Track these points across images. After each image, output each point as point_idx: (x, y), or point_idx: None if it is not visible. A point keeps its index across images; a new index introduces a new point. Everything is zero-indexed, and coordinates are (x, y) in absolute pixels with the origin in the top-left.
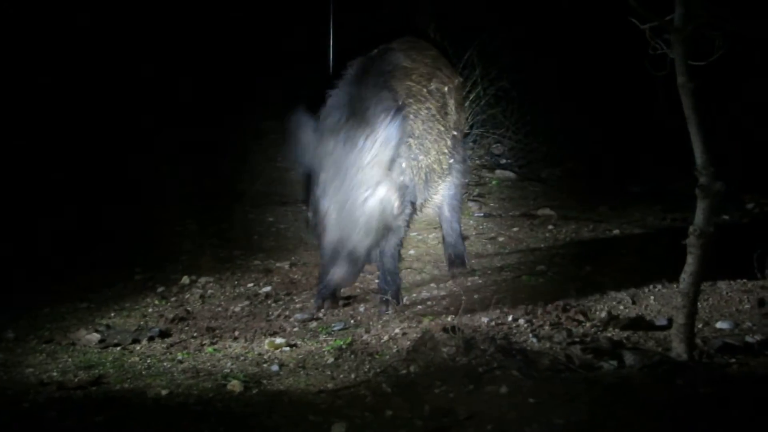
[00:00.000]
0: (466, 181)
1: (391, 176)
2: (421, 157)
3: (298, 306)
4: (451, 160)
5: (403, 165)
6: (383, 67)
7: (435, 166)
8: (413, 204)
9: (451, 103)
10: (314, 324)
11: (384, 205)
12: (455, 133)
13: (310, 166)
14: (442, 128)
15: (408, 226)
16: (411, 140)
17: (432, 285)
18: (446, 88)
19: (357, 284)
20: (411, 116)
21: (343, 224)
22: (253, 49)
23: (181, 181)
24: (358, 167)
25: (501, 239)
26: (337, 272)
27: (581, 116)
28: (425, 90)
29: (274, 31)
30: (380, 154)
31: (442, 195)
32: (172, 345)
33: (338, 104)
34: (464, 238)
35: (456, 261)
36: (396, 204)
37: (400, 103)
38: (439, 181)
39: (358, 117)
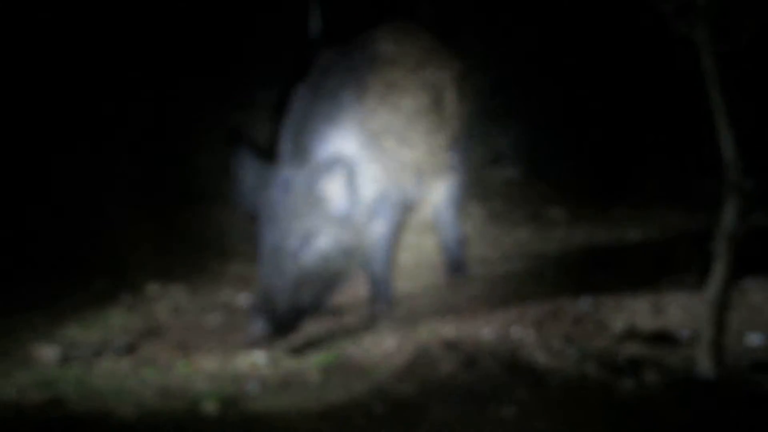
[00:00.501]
0: (467, 178)
1: (341, 222)
2: (405, 152)
3: None
4: (453, 155)
5: (377, 172)
6: (360, 58)
7: (427, 162)
8: (403, 205)
9: (449, 93)
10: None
11: (325, 258)
12: (455, 125)
13: (253, 211)
14: (436, 120)
15: (399, 226)
16: (389, 138)
17: (429, 294)
18: (443, 78)
19: (345, 291)
20: (387, 109)
21: (268, 276)
22: (229, 33)
23: (146, 178)
24: (291, 213)
25: (505, 243)
26: (252, 329)
27: (595, 106)
28: (414, 79)
29: (258, 14)
30: (321, 198)
31: (440, 194)
32: (139, 361)
33: (291, 126)
34: (464, 242)
35: (455, 267)
36: (350, 248)
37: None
38: (435, 179)
39: (302, 151)
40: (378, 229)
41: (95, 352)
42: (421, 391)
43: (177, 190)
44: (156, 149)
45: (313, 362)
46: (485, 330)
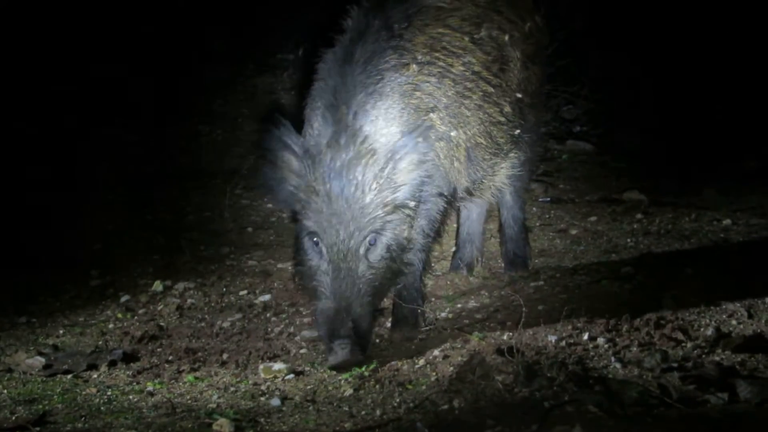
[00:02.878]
0: (537, 156)
1: (402, 211)
2: (453, 133)
3: (305, 320)
4: (516, 131)
5: (422, 155)
6: (399, 12)
7: (482, 140)
8: (446, 195)
9: (515, 56)
10: None
11: (389, 257)
12: (520, 95)
13: (294, 203)
14: (493, 89)
15: (439, 220)
16: (433, 115)
17: (483, 292)
18: (506, 37)
19: None
20: (432, 81)
21: (342, 289)
22: None
23: (148, 156)
24: (358, 207)
25: (574, 232)
26: (341, 353)
27: (680, 69)
28: (468, 39)
29: None
30: (388, 186)
31: (503, 176)
32: (139, 372)
33: (321, 97)
34: (527, 230)
35: (516, 261)
36: (407, 238)
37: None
38: (494, 159)
39: (346, 126)
40: (415, 223)
41: (88, 362)
42: (473, 408)
43: (184, 165)
44: (157, 113)
45: (344, 372)
46: (549, 334)
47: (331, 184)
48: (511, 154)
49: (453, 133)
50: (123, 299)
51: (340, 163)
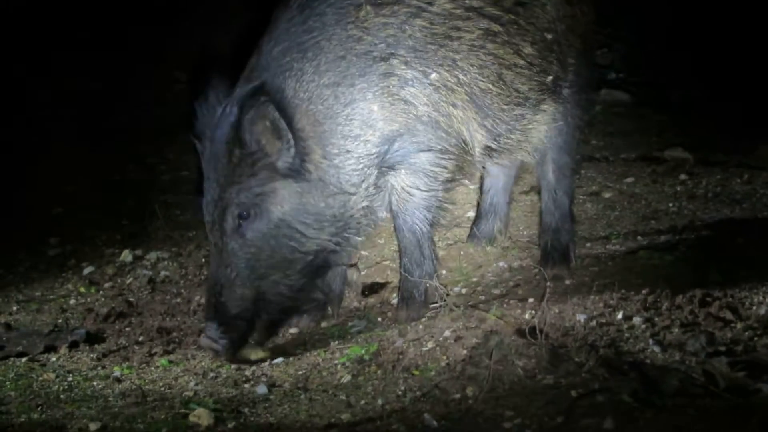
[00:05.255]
0: (583, 117)
1: (298, 180)
2: (434, 76)
3: None
4: (547, 77)
5: (374, 108)
6: None
7: (491, 85)
8: (445, 149)
9: None
10: (322, 323)
11: (288, 233)
12: (549, 35)
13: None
14: (501, 27)
15: (445, 173)
16: (394, 61)
17: (501, 264)
18: None
19: (387, 263)
20: (393, 22)
21: (213, 267)
22: None
23: (115, 107)
24: (223, 171)
25: (607, 195)
26: (204, 336)
27: (732, 6)
28: None
29: None
30: (257, 148)
31: (542, 134)
32: (105, 355)
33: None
34: (574, 219)
35: (554, 255)
36: (334, 215)
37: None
38: (518, 109)
39: (249, 76)
40: (403, 182)
41: (46, 343)
42: (489, 397)
43: (157, 117)
44: (125, 57)
45: (341, 355)
46: (577, 313)
47: (209, 143)
48: (544, 106)
49: (433, 76)
50: (86, 271)
51: (221, 117)
